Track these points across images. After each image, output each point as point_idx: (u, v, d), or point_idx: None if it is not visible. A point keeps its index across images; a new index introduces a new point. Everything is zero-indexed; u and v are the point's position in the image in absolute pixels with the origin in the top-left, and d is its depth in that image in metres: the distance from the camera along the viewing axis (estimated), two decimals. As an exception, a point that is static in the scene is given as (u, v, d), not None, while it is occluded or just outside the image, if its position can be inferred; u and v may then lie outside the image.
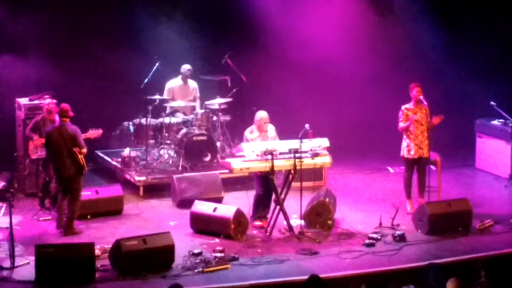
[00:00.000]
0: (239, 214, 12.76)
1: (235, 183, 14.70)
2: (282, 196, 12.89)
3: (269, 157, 12.72)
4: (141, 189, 14.80)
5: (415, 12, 17.19)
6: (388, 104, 14.83)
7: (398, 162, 14.82)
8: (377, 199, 14.66)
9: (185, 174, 14.69)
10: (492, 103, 15.69)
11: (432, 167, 14.11)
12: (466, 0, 17.74)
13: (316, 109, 16.22)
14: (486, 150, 16.17)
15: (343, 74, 17.10)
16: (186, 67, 15.86)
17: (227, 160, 13.35)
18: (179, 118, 15.70)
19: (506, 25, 17.35)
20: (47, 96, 14.48)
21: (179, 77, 15.91)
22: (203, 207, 13.02)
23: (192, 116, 15.63)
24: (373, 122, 16.89)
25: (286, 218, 12.92)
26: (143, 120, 15.38)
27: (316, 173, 14.41)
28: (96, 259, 11.39)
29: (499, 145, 15.85)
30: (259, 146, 12.90)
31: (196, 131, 15.25)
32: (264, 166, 12.74)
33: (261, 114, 13.34)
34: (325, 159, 13.12)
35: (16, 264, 11.46)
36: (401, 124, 13.70)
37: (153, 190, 14.87)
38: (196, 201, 13.20)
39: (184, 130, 15.37)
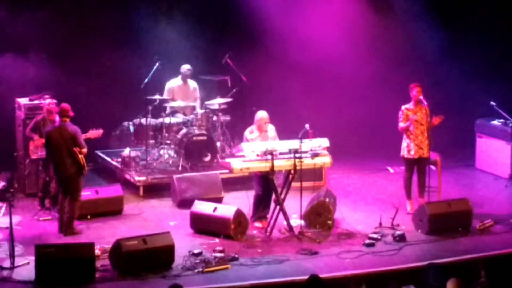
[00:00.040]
0: (239, 214, 12.75)
1: (235, 183, 14.68)
2: (282, 196, 12.88)
3: (269, 157, 12.71)
4: (141, 189, 14.79)
5: (415, 12, 17.17)
6: (388, 104, 14.82)
7: (398, 162, 14.81)
8: (377, 199, 14.64)
9: (185, 174, 14.68)
10: (492, 103, 15.68)
11: (432, 167, 14.10)
12: (466, 0, 17.74)
13: (316, 109, 16.20)
14: (486, 150, 16.15)
15: (343, 74, 17.09)
16: (186, 67, 15.85)
17: (227, 160, 13.33)
18: (179, 118, 15.69)
19: (506, 25, 17.35)
20: (47, 96, 14.47)
21: (179, 77, 15.91)
22: (203, 207, 13.02)
23: (192, 116, 15.62)
24: (373, 122, 16.89)
25: (286, 218, 12.91)
26: (143, 120, 15.38)
27: (316, 173, 14.39)
28: (96, 259, 11.38)
29: (499, 145, 15.84)
30: (259, 146, 12.89)
31: (196, 131, 15.25)
32: (264, 166, 12.73)
33: (261, 114, 13.33)
34: (325, 159, 13.11)
35: (16, 264, 11.45)
36: (401, 124, 13.69)
37: (153, 190, 14.87)
38: (196, 201, 13.20)
39: (184, 130, 15.37)
